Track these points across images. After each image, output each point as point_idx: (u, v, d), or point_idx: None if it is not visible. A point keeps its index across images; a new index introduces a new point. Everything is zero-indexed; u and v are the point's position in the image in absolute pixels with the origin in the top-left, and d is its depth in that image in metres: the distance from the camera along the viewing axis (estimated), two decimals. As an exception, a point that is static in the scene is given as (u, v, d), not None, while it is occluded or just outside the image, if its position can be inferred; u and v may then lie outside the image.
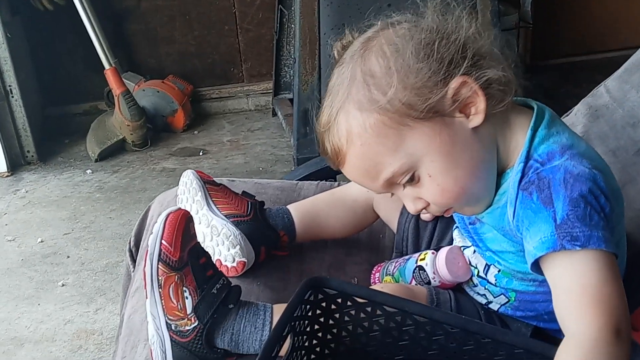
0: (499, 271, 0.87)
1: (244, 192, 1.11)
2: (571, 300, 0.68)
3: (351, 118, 0.76)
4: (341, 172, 0.81)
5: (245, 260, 1.03)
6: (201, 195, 1.07)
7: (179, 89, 2.98)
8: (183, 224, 0.90)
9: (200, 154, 2.80)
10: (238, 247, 1.02)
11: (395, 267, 1.03)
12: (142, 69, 3.08)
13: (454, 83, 0.73)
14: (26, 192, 2.52)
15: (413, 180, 0.77)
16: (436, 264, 0.94)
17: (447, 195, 0.77)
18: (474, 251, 0.91)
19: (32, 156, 2.71)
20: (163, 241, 0.89)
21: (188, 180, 1.11)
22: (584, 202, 0.69)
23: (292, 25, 2.87)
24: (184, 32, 3.09)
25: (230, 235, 1.02)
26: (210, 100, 3.21)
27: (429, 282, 0.95)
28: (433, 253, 0.96)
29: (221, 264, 1.04)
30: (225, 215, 1.05)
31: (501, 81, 0.75)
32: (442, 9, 0.77)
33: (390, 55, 0.75)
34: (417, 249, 1.04)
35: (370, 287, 0.99)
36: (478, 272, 0.91)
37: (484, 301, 0.92)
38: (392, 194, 0.81)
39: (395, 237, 1.07)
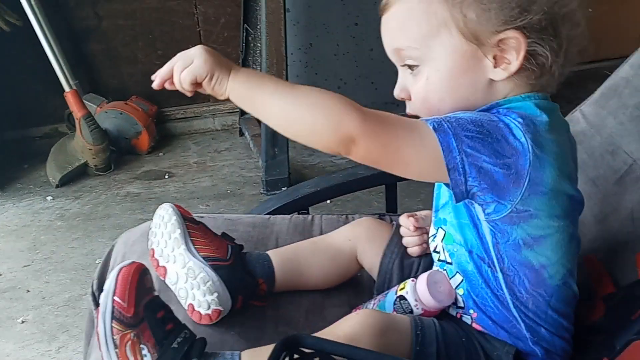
0: (444, 235, 0.86)
1: (223, 233, 1.06)
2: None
3: None
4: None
5: (221, 309, 0.97)
6: (180, 233, 1.01)
7: (142, 110, 2.90)
8: (137, 277, 0.85)
9: (166, 177, 2.72)
10: (216, 294, 0.96)
11: (374, 303, 0.99)
12: (104, 90, 2.99)
13: (511, 32, 0.75)
14: (-18, 221, 2.41)
15: (414, 69, 0.80)
16: (417, 290, 0.90)
17: (426, 105, 0.80)
18: (437, 231, 0.90)
19: (-11, 183, 2.60)
20: (115, 297, 0.84)
21: (166, 215, 1.04)
22: (488, 128, 0.73)
23: (258, 44, 2.83)
24: (147, 51, 3.01)
25: (208, 281, 0.96)
26: (176, 120, 3.13)
27: (411, 312, 0.91)
28: (413, 280, 0.92)
29: (193, 309, 0.98)
30: (204, 258, 0.99)
31: (545, 64, 0.77)
32: None
33: None
34: (400, 288, 1.00)
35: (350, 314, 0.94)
36: (439, 256, 0.90)
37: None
38: None
39: (377, 279, 1.02)
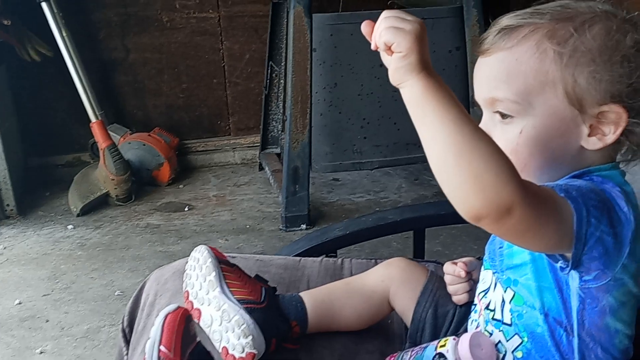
0: (512, 296, 0.83)
1: (257, 275, 1.06)
2: None
3: (535, 36, 0.76)
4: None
5: (256, 352, 0.96)
6: (215, 276, 1.01)
7: (165, 142, 2.93)
8: (182, 325, 0.85)
9: (186, 209, 2.74)
10: (250, 337, 0.95)
11: (411, 356, 0.97)
12: (129, 120, 3.04)
13: (615, 107, 0.74)
14: (4, 248, 2.42)
15: (505, 118, 0.78)
16: (458, 350, 0.89)
17: (513, 157, 0.74)
18: (495, 287, 0.87)
19: (12, 210, 2.62)
20: (162, 347, 0.84)
21: (202, 257, 1.04)
22: (603, 198, 0.71)
23: (282, 81, 2.87)
24: (172, 84, 3.06)
25: (243, 324, 0.96)
26: (196, 153, 3.17)
27: (449, 371, 0.90)
28: (454, 339, 0.91)
29: (227, 352, 0.98)
30: (239, 300, 0.99)
31: (637, 142, 0.77)
32: None
33: (608, 39, 0.75)
34: (434, 338, 0.99)
35: None
36: (493, 314, 0.86)
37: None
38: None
39: (410, 327, 1.02)
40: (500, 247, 0.86)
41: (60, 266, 2.31)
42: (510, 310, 0.84)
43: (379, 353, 1.04)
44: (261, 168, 3.10)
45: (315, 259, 1.27)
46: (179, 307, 0.86)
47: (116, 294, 2.13)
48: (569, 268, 0.73)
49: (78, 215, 2.64)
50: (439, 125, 0.65)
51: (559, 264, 0.74)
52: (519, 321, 0.83)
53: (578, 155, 0.78)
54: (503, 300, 0.84)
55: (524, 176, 0.76)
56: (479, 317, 0.90)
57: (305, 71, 2.43)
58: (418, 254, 1.42)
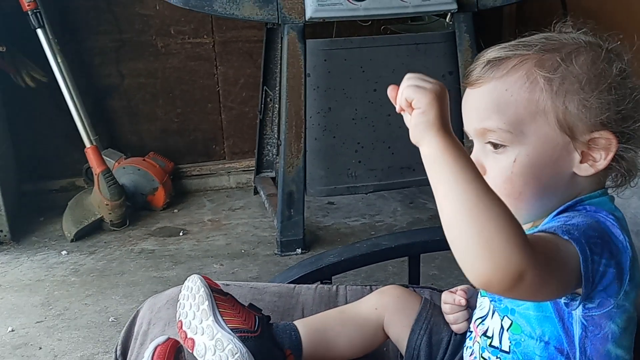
0: (510, 324, 0.82)
1: (250, 304, 1.06)
2: None
3: (524, 66, 0.78)
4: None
5: (250, 381, 0.96)
6: (208, 305, 1.01)
7: (160, 167, 2.93)
8: (172, 356, 0.84)
9: (181, 234, 2.73)
10: (244, 366, 0.96)
11: (405, 385, 0.97)
12: (123, 145, 3.04)
13: (605, 133, 0.75)
14: (-3, 274, 2.41)
15: (498, 148, 0.78)
16: None
17: (507, 186, 0.78)
18: (492, 315, 0.87)
19: (5, 235, 2.61)
20: None
21: (195, 287, 1.04)
22: (600, 231, 0.72)
23: (276, 105, 2.88)
24: (167, 109, 3.07)
25: (236, 353, 0.96)
26: (191, 177, 3.17)
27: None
28: None
29: (220, 382, 0.98)
30: (232, 329, 0.99)
31: (631, 168, 0.78)
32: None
33: (594, 68, 0.77)
34: (428, 367, 0.99)
35: None
36: (491, 341, 0.86)
37: None
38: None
39: (405, 356, 1.02)
40: None
41: (53, 292, 2.29)
42: (509, 339, 0.83)
43: (374, 381, 1.04)
44: (256, 192, 3.10)
45: (309, 286, 1.27)
46: (169, 339, 0.86)
47: (110, 320, 2.11)
48: (576, 304, 0.73)
49: (72, 241, 2.63)
50: (454, 184, 0.66)
51: (563, 301, 0.75)
52: (517, 349, 0.83)
53: (570, 182, 0.78)
54: (502, 328, 0.84)
55: (518, 205, 0.77)
56: (474, 344, 0.90)
57: (299, 96, 2.44)
58: (413, 280, 1.42)
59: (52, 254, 2.55)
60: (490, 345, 0.86)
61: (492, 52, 0.81)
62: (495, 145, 0.78)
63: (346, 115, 2.59)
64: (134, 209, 2.85)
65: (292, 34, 2.38)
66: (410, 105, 0.70)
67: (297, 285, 1.27)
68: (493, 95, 0.78)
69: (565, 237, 0.69)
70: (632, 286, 0.75)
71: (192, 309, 1.03)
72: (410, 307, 1.04)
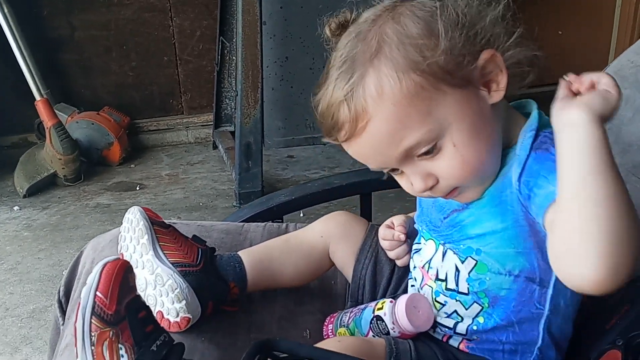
0: (475, 264, 0.81)
1: (194, 236, 1.03)
2: None
3: (384, 78, 0.71)
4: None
5: (190, 317, 0.94)
6: (147, 239, 0.98)
7: (115, 121, 2.87)
8: (121, 274, 0.81)
9: (137, 188, 2.68)
10: (184, 302, 0.93)
11: (350, 317, 0.97)
12: (76, 100, 2.96)
13: (485, 54, 0.73)
14: (-54, 231, 2.35)
15: (433, 151, 0.74)
16: (396, 313, 0.88)
17: (467, 167, 0.75)
18: (443, 257, 0.85)
19: (-46, 192, 2.53)
20: (98, 293, 0.80)
21: (134, 219, 1.01)
22: None
23: (234, 58, 2.82)
24: (121, 62, 2.99)
25: (176, 288, 0.94)
26: (148, 132, 3.11)
27: (387, 333, 0.90)
28: (391, 302, 0.90)
29: (162, 317, 0.95)
30: (173, 264, 0.96)
31: (525, 62, 0.76)
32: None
33: (427, 20, 0.73)
34: (373, 297, 0.99)
35: (327, 339, 0.93)
36: (446, 285, 0.84)
37: (451, 324, 0.85)
38: (388, 175, 0.79)
39: (351, 285, 1.01)
40: (445, 217, 0.84)
41: (5, 247, 2.24)
42: (468, 279, 0.82)
43: (321, 313, 1.03)
44: (215, 146, 3.06)
45: (259, 224, 1.25)
46: (118, 258, 0.83)
47: (64, 273, 2.06)
48: None
49: (25, 196, 2.57)
50: (606, 177, 0.62)
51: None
52: (479, 288, 0.81)
53: (496, 113, 0.76)
54: (457, 270, 0.83)
55: (486, 167, 0.76)
56: (423, 286, 0.88)
57: (255, 45, 2.39)
58: (365, 218, 1.40)
59: (4, 210, 2.49)
60: (446, 288, 0.85)
61: (338, 93, 0.73)
62: (429, 152, 0.74)
63: (304, 64, 2.55)
64: (88, 164, 2.79)
65: (246, -21, 2.31)
66: (592, 85, 0.68)
67: (246, 224, 1.25)
68: (389, 120, 0.72)
69: None
70: None
71: (132, 242, 1.00)
72: (355, 234, 1.03)
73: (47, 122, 2.58)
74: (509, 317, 0.81)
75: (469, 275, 0.82)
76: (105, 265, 0.82)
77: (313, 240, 1.03)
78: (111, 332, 0.80)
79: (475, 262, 0.81)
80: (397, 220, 0.98)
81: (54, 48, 2.89)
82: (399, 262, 0.99)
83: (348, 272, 1.02)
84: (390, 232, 0.97)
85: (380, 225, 1.07)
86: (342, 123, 0.74)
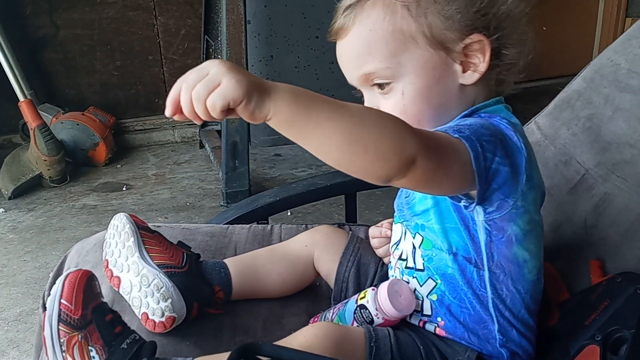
0: (422, 241, 0.85)
1: (179, 242, 1.04)
2: None
3: (377, 8, 0.78)
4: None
5: (176, 316, 0.94)
6: (133, 242, 0.99)
7: (100, 121, 2.85)
8: (84, 282, 0.84)
9: (124, 189, 2.67)
10: (169, 300, 0.94)
11: (334, 312, 0.97)
12: (61, 100, 2.94)
13: (475, 36, 0.77)
14: None
15: (384, 88, 0.79)
16: (378, 299, 0.89)
17: (405, 119, 0.75)
18: (404, 236, 0.89)
19: (-62, 195, 2.51)
20: (62, 300, 0.83)
21: (120, 224, 1.02)
22: (493, 130, 0.74)
23: (219, 56, 2.82)
24: (106, 62, 2.98)
25: (162, 287, 0.94)
26: (134, 132, 3.09)
27: (371, 321, 0.90)
28: (373, 289, 0.91)
29: (147, 318, 0.96)
30: (158, 265, 0.97)
31: (511, 63, 0.79)
32: None
33: None
34: (357, 297, 0.99)
35: (304, 327, 0.93)
36: (406, 263, 0.88)
37: (418, 306, 0.87)
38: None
39: (334, 289, 1.02)
40: (406, 197, 0.87)
41: (-10, 250, 2.23)
42: (422, 256, 0.85)
43: (306, 314, 1.04)
44: (202, 146, 3.05)
45: (244, 225, 1.25)
46: (80, 269, 0.85)
47: (50, 276, 2.06)
48: (474, 204, 0.75)
49: (10, 198, 2.55)
50: (325, 127, 0.63)
51: (462, 203, 0.76)
52: (431, 264, 0.84)
53: (461, 94, 0.80)
54: (414, 247, 0.86)
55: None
56: (395, 270, 0.91)
57: (240, 44, 2.39)
58: (350, 218, 1.41)
59: (-11, 212, 2.48)
60: (406, 267, 0.88)
61: (345, 1, 0.81)
62: (381, 86, 0.79)
63: (288, 63, 2.55)
64: (74, 165, 2.78)
65: (230, -22, 2.31)
66: (229, 108, 0.63)
67: (231, 226, 1.25)
68: (361, 40, 0.79)
69: (456, 135, 0.70)
70: (530, 186, 0.77)
71: (117, 247, 1.00)
72: (338, 242, 1.04)
73: (31, 123, 2.56)
74: (460, 296, 0.83)
75: (420, 252, 0.85)
76: (67, 275, 0.85)
77: (298, 250, 1.04)
78: (79, 336, 0.83)
79: (422, 238, 0.85)
80: (387, 220, 1.02)
81: (38, 48, 2.87)
82: (387, 260, 1.01)
83: (332, 280, 1.03)
84: (378, 229, 1.02)
85: (366, 224, 1.08)
86: (335, 24, 0.82)
